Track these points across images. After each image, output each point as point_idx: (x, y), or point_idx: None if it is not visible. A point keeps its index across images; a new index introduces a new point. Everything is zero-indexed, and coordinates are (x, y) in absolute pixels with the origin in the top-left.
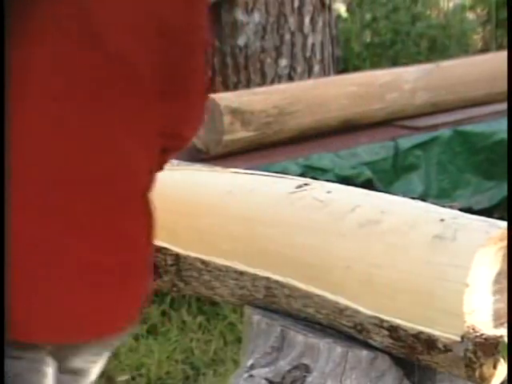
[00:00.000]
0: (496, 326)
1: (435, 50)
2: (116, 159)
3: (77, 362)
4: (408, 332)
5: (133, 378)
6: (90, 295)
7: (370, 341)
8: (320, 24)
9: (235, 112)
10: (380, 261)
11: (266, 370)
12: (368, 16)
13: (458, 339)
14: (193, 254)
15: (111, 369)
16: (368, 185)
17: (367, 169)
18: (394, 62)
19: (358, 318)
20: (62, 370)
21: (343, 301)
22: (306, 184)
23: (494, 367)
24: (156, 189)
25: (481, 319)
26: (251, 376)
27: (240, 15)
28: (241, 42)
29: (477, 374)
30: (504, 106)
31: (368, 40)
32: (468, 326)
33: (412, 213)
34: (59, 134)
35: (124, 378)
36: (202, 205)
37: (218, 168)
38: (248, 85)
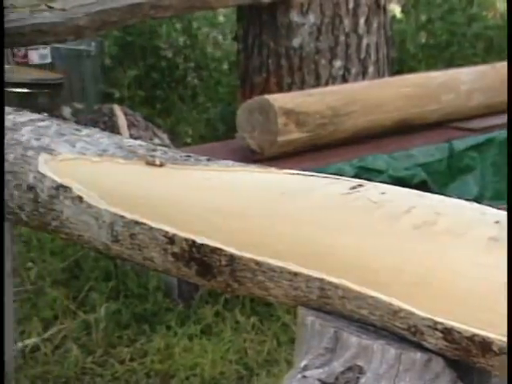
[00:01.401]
0: None
1: (491, 52)
2: None
3: None
4: (462, 334)
5: (187, 378)
6: None
7: (424, 343)
8: (375, 25)
9: (289, 113)
10: (434, 262)
11: (320, 371)
12: (423, 17)
13: None
14: (247, 255)
15: (166, 369)
16: (423, 186)
17: (422, 170)
18: (450, 64)
19: (412, 320)
20: None
21: (397, 302)
22: (360, 185)
23: None
24: (210, 190)
25: None
26: (304, 377)
27: (295, 16)
28: (296, 43)
29: None
30: None
31: (423, 41)
32: None
33: (467, 215)
34: None
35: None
36: (256, 206)
37: (272, 169)
38: (302, 86)
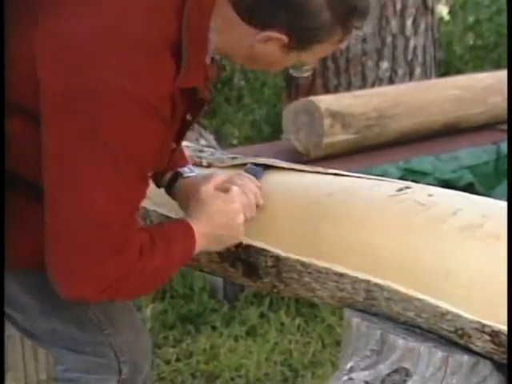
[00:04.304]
0: None
1: None
2: None
3: None
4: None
5: (232, 379)
6: None
7: (471, 346)
8: (422, 26)
9: (335, 115)
10: (481, 265)
11: (366, 373)
12: (471, 18)
13: None
14: (293, 256)
15: (211, 369)
16: (469, 189)
17: (468, 173)
18: (497, 65)
19: (459, 323)
20: None
21: (444, 305)
22: (407, 187)
23: None
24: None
25: None
26: (351, 379)
27: None
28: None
29: None
30: None
31: (471, 43)
32: None
33: None
34: None
35: None
36: (302, 207)
37: (319, 168)
38: (349, 87)
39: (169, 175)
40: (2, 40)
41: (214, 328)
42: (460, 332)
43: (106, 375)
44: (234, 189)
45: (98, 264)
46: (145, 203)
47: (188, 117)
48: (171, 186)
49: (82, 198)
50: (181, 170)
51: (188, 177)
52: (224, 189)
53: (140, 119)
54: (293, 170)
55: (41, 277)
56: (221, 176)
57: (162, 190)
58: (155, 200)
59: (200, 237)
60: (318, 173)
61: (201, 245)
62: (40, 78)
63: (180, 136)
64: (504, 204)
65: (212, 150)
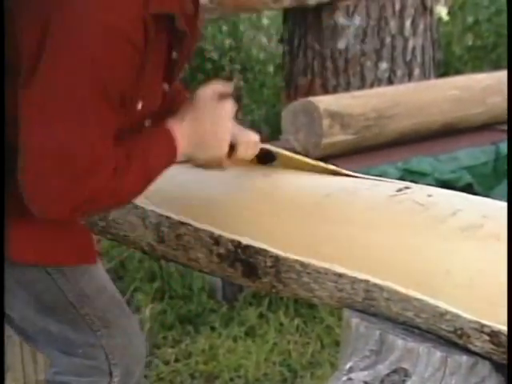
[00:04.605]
0: None
1: None
2: None
3: None
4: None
5: (231, 379)
6: None
7: (470, 346)
8: (421, 27)
9: (334, 115)
10: (481, 265)
11: (365, 373)
12: (470, 19)
13: None
14: (292, 256)
15: (210, 370)
16: (468, 189)
17: (467, 173)
18: (496, 66)
19: (459, 323)
20: None
21: (443, 305)
22: (406, 187)
23: None
24: (257, 191)
25: None
26: (350, 379)
27: (340, 19)
28: (341, 45)
29: None
30: None
31: (470, 43)
32: None
33: None
34: None
35: None
36: (301, 207)
37: (320, 163)
38: (347, 88)
39: None
40: (2, 40)
41: (212, 328)
42: (459, 332)
43: (96, 378)
44: (229, 101)
45: (65, 188)
46: (143, 203)
47: (174, 55)
48: None
49: (47, 122)
50: None
51: None
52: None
53: (108, 44)
54: (294, 168)
55: (37, 274)
56: (220, 86)
57: (160, 189)
58: (153, 200)
59: (183, 138)
60: (319, 166)
61: (183, 147)
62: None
63: (170, 76)
64: (504, 204)
65: None
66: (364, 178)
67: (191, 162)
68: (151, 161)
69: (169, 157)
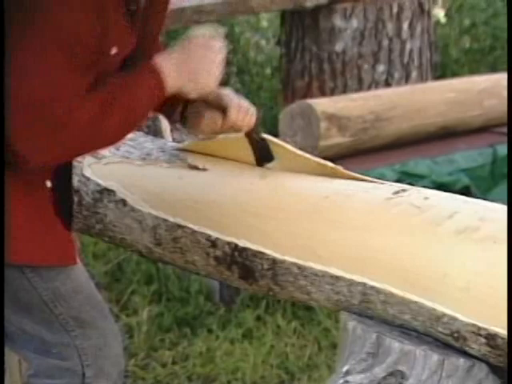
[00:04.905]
0: None
1: None
2: None
3: None
4: (506, 340)
5: (228, 382)
6: None
7: (467, 349)
8: (418, 30)
9: (332, 118)
10: (478, 268)
11: (362, 376)
12: (467, 21)
13: None
14: (289, 259)
15: (207, 372)
16: (465, 192)
17: (465, 175)
18: (493, 68)
19: (455, 326)
20: None
21: (440, 308)
22: (403, 190)
23: None
24: (254, 194)
25: None
26: (347, 382)
27: (338, 21)
28: (338, 47)
29: None
30: None
31: (467, 46)
32: None
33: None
34: None
35: None
36: (298, 210)
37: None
38: (345, 90)
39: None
40: (2, 40)
41: (210, 331)
42: (456, 335)
43: (69, 380)
44: (219, 40)
45: (47, 135)
46: (140, 206)
47: (132, 6)
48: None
49: (20, 79)
50: None
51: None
52: None
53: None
54: (294, 168)
55: (12, 274)
56: (210, 32)
57: (157, 192)
58: (150, 202)
59: (173, 70)
60: (321, 165)
61: (174, 78)
62: None
63: (135, 29)
64: (501, 207)
65: None
66: (367, 179)
67: (182, 93)
68: (138, 93)
69: (156, 89)
